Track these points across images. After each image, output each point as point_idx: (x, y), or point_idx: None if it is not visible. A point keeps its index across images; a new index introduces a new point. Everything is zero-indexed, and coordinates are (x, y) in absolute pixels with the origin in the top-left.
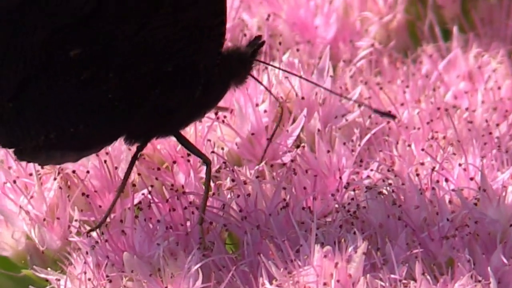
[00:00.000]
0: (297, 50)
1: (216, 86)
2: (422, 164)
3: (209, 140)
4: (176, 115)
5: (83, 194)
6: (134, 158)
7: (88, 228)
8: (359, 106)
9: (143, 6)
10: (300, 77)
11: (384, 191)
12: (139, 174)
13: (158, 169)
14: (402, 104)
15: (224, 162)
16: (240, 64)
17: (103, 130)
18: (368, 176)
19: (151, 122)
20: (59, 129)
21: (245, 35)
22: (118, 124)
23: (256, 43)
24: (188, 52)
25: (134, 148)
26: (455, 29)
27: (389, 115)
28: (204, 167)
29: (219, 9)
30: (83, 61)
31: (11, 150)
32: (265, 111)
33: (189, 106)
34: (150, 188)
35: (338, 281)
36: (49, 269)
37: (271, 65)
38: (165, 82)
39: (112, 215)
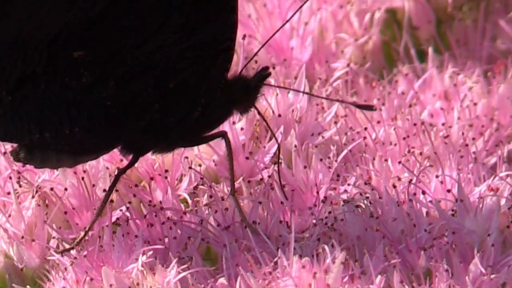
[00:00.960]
0: (273, 68)
1: (216, 110)
2: (399, 179)
3: (187, 157)
4: (172, 133)
5: (65, 212)
6: (116, 179)
7: (66, 245)
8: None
9: (149, 20)
10: (305, 93)
11: (362, 205)
12: (116, 191)
13: (136, 186)
14: (378, 122)
15: (202, 178)
16: (244, 93)
17: (99, 136)
18: (346, 191)
19: (147, 136)
20: (54, 129)
21: None
22: (114, 132)
23: (263, 74)
24: (191, 72)
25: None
26: (430, 50)
27: (369, 106)
28: (181, 184)
29: (228, 35)
30: (85, 64)
31: None
32: (241, 128)
33: (186, 126)
34: (128, 205)
35: None
36: (28, 287)
37: (280, 87)
38: (165, 98)
39: (90, 233)
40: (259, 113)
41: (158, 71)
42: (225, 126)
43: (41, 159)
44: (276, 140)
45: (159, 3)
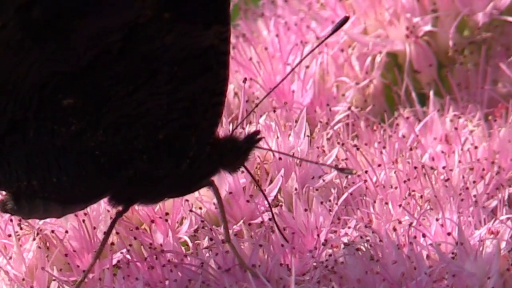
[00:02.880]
0: (274, 111)
1: (204, 165)
2: (400, 222)
3: (187, 200)
4: (160, 184)
5: (65, 255)
6: (114, 222)
7: None
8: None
9: (140, 68)
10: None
11: (362, 247)
12: (117, 233)
13: (137, 228)
14: (379, 165)
15: (202, 221)
16: (233, 154)
17: (87, 186)
18: (346, 234)
19: (134, 187)
20: (42, 177)
21: None
22: (102, 182)
23: (254, 139)
24: (181, 124)
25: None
26: (431, 94)
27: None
28: (182, 227)
29: (218, 90)
30: (74, 112)
31: None
32: (242, 171)
33: (173, 178)
34: (128, 247)
35: None
36: None
37: (273, 151)
38: (153, 149)
39: (90, 275)
40: None
41: (147, 121)
42: None
43: (29, 209)
44: (262, 191)
45: (150, 53)
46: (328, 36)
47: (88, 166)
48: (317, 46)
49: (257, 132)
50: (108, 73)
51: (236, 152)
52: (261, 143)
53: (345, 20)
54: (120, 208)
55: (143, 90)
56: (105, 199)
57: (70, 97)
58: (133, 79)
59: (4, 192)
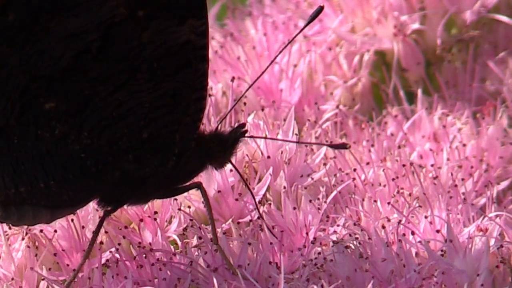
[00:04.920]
0: (262, 110)
1: (191, 161)
2: (389, 220)
3: (176, 199)
4: (147, 184)
5: (54, 254)
6: (101, 221)
7: (56, 287)
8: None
9: (119, 68)
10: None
11: (351, 245)
12: (106, 233)
13: (126, 227)
14: (367, 164)
15: (191, 220)
16: (220, 149)
17: (75, 189)
18: (335, 232)
19: (122, 188)
20: (29, 183)
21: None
22: (90, 185)
23: (239, 131)
24: (164, 121)
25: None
26: (419, 92)
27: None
28: (171, 225)
29: (198, 84)
30: (57, 116)
31: None
32: (231, 170)
33: (161, 177)
34: (117, 246)
35: None
36: None
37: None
38: (139, 148)
39: (80, 274)
40: None
41: (130, 121)
42: None
43: (18, 216)
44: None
45: (128, 52)
46: (304, 27)
47: (75, 169)
48: (294, 37)
49: (242, 125)
50: (88, 74)
51: (223, 146)
52: (249, 142)
53: (320, 10)
54: (109, 208)
55: (124, 90)
56: (94, 201)
57: (51, 100)
58: (113, 79)
59: None
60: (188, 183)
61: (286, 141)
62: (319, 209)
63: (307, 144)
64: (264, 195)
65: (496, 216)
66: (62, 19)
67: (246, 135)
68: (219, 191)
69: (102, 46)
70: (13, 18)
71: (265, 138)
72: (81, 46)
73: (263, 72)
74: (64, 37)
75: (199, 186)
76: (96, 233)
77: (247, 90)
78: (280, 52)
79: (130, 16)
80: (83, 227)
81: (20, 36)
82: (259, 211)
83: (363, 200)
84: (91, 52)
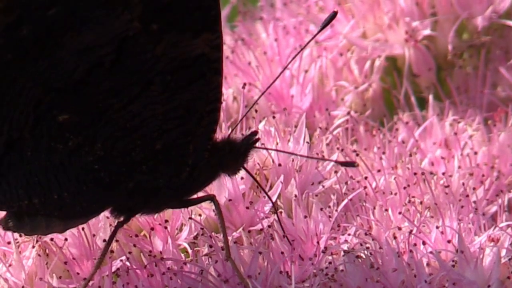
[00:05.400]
0: (273, 117)
1: (204, 171)
2: (400, 228)
3: (187, 207)
4: (160, 194)
5: (65, 262)
6: (114, 232)
7: None
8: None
9: (133, 80)
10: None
11: (362, 255)
12: (117, 241)
13: (136, 236)
14: (378, 171)
15: (202, 228)
16: (232, 157)
17: (88, 200)
18: (346, 241)
19: (136, 198)
20: (42, 195)
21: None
22: (103, 195)
23: (252, 139)
24: (178, 133)
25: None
26: (430, 97)
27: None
28: (182, 234)
29: (212, 96)
30: (71, 128)
31: None
32: (242, 178)
33: (174, 187)
34: (128, 255)
35: None
36: None
37: (270, 149)
38: (152, 159)
39: (90, 283)
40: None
41: (144, 132)
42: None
43: (31, 226)
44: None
45: (142, 65)
46: (318, 33)
47: (88, 181)
48: (309, 42)
49: (254, 133)
50: (102, 86)
51: (235, 153)
52: (259, 144)
53: (333, 15)
54: (121, 218)
55: (137, 102)
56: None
57: (65, 113)
58: (127, 91)
59: None
60: (201, 195)
61: (296, 154)
62: (330, 217)
63: (317, 159)
64: (275, 202)
65: (508, 226)
66: (76, 33)
67: (258, 143)
68: (229, 200)
69: (116, 59)
70: (27, 31)
71: (277, 150)
72: (94, 59)
73: (274, 81)
74: (78, 50)
75: (212, 198)
76: (108, 243)
77: (259, 98)
78: (293, 59)
79: (144, 29)
80: (93, 235)
81: (34, 49)
82: (277, 213)
83: (374, 208)
84: (104, 65)
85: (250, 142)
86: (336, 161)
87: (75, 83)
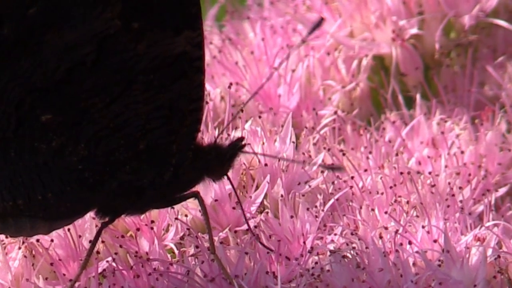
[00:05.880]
0: (259, 117)
1: (188, 173)
2: (386, 228)
3: (173, 208)
4: (145, 195)
5: (51, 263)
6: (99, 232)
7: None
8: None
9: (115, 79)
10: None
11: (348, 255)
12: (103, 242)
13: (122, 236)
14: (365, 170)
15: (188, 229)
16: (218, 162)
17: (72, 201)
18: (332, 241)
19: (120, 199)
20: (26, 195)
21: (207, 102)
22: (87, 196)
23: (238, 144)
24: (161, 132)
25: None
26: (418, 97)
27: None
28: (168, 234)
29: (195, 95)
30: (54, 128)
31: None
32: (228, 178)
33: (158, 188)
34: (114, 256)
35: None
36: None
37: (259, 154)
38: (136, 160)
39: (76, 284)
40: None
41: (127, 132)
42: None
43: (15, 227)
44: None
45: (123, 64)
46: (304, 39)
47: (72, 181)
48: (298, 46)
49: (241, 139)
50: (84, 86)
51: (221, 159)
52: (247, 149)
53: (320, 21)
54: (106, 219)
55: (120, 101)
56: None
57: (48, 112)
58: (109, 90)
59: None
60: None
61: (281, 159)
62: (316, 217)
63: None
64: (261, 203)
65: (494, 225)
66: (56, 32)
67: (244, 148)
68: (216, 200)
69: (97, 58)
70: (8, 31)
71: (263, 154)
72: (76, 58)
73: (264, 83)
74: (59, 49)
75: (196, 195)
76: (93, 244)
77: (248, 100)
78: (281, 63)
79: (125, 28)
80: (79, 236)
81: (16, 49)
82: (249, 226)
83: (361, 208)
84: (86, 64)
85: (236, 147)
86: (322, 166)
87: (57, 82)
